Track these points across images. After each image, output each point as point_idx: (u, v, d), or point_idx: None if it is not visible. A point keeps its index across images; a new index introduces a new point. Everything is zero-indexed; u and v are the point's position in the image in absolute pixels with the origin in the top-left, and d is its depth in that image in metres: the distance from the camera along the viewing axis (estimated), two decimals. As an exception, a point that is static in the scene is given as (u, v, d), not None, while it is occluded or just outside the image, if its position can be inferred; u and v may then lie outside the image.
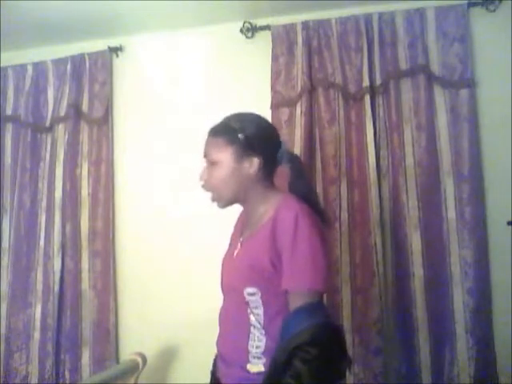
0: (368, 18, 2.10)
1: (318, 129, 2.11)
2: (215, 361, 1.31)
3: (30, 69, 2.48)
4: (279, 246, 1.11)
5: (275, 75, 2.18)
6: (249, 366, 1.13)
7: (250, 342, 1.15)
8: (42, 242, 2.36)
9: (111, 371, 1.89)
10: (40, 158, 2.45)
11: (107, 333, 2.26)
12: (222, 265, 1.31)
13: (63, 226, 2.35)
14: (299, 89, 2.13)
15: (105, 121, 2.37)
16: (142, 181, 2.37)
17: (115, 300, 2.30)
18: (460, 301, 1.95)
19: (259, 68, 2.22)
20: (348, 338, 1.96)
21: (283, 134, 2.11)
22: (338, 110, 2.09)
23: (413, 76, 2.05)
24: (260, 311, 1.15)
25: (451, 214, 1.99)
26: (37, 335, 2.30)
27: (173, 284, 2.25)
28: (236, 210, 1.31)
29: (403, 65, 2.06)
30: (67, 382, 2.26)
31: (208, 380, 1.33)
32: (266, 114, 2.09)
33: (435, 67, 2.04)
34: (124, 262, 2.34)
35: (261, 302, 1.14)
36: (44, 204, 2.39)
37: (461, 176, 1.99)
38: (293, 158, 1.27)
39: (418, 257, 1.98)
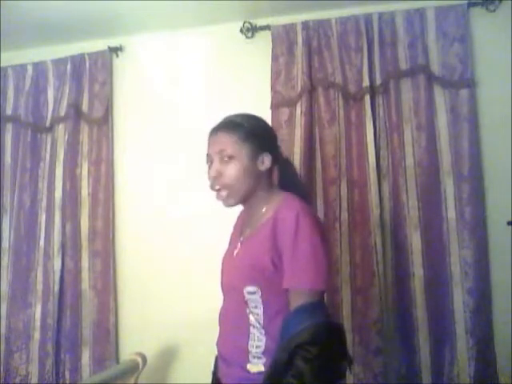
0: (368, 18, 2.10)
1: (318, 129, 2.11)
2: (216, 361, 1.31)
3: (30, 69, 2.48)
4: (280, 244, 1.11)
5: (275, 75, 2.18)
6: (249, 366, 1.13)
7: (250, 342, 1.15)
8: (42, 242, 2.36)
9: (111, 371, 1.89)
10: (40, 158, 2.45)
11: (107, 333, 2.26)
12: (222, 264, 1.31)
13: (63, 226, 2.35)
14: (299, 89, 2.13)
15: (105, 121, 2.37)
16: (141, 181, 2.37)
17: (115, 300, 2.30)
18: (460, 301, 1.95)
19: (259, 68, 2.22)
20: (348, 337, 1.95)
21: (283, 134, 2.12)
22: (338, 110, 2.09)
23: (413, 76, 2.05)
24: (259, 311, 1.15)
25: (451, 214, 1.99)
26: (37, 335, 2.30)
27: (173, 284, 2.25)
28: (235, 209, 1.30)
29: (403, 65, 2.06)
30: (67, 382, 2.26)
31: (208, 380, 1.33)
32: (266, 114, 2.11)
33: (435, 67, 2.04)
34: (124, 262, 2.34)
35: (261, 301, 1.14)
36: (44, 204, 2.39)
37: (461, 176, 1.99)
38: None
39: (418, 257, 1.98)
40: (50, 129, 2.44)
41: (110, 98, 2.39)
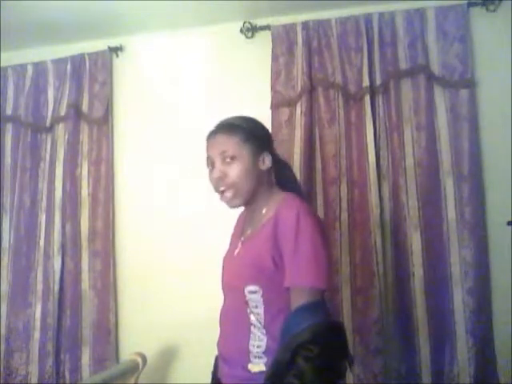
0: (368, 18, 2.10)
1: (318, 129, 2.11)
2: (216, 362, 1.31)
3: (30, 69, 2.48)
4: (281, 243, 1.12)
5: (275, 75, 2.18)
6: (250, 366, 1.13)
7: (251, 342, 1.15)
8: (42, 242, 2.36)
9: (111, 371, 1.89)
10: (40, 158, 2.44)
11: (107, 333, 2.26)
12: (223, 264, 1.31)
13: (63, 226, 2.35)
14: (299, 89, 2.13)
15: (105, 121, 2.37)
16: (141, 181, 2.37)
17: (115, 300, 2.30)
18: (460, 301, 1.95)
19: (259, 68, 2.22)
20: (348, 337, 1.95)
21: (283, 134, 2.12)
22: (338, 110, 2.09)
23: (413, 76, 2.05)
24: (260, 310, 1.15)
25: (451, 214, 1.99)
26: (37, 335, 2.30)
27: (173, 284, 2.25)
28: (235, 209, 1.30)
29: (403, 65, 2.06)
30: (67, 382, 2.26)
31: (208, 380, 1.33)
32: (266, 114, 2.11)
33: (435, 67, 2.04)
34: (124, 262, 2.34)
35: (261, 300, 1.14)
36: (44, 204, 2.39)
37: (461, 176, 1.99)
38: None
39: (418, 257, 1.98)
40: (50, 129, 2.44)
41: (110, 98, 2.39)
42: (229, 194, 1.21)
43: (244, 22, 2.25)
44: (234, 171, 1.19)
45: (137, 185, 2.37)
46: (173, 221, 2.29)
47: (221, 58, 2.32)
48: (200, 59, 2.36)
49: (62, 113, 2.40)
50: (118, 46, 2.42)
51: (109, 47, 2.40)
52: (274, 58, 2.18)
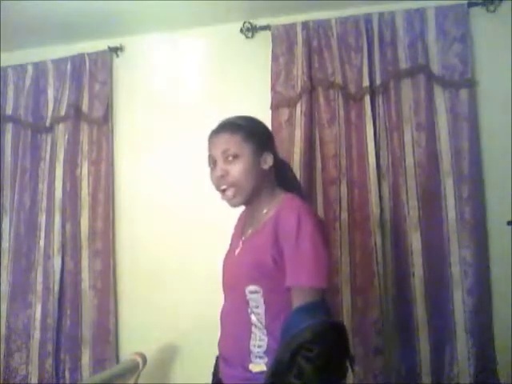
0: (368, 18, 2.10)
1: (318, 129, 2.11)
2: (217, 362, 1.31)
3: (30, 69, 2.48)
4: (281, 243, 1.12)
5: (275, 75, 2.18)
6: (251, 366, 1.14)
7: (252, 342, 1.15)
8: (42, 242, 2.36)
9: (111, 371, 1.89)
10: (40, 158, 2.44)
11: (107, 333, 2.26)
12: (224, 264, 1.31)
13: (63, 226, 2.35)
14: (299, 89, 2.13)
15: (105, 121, 2.37)
16: (141, 181, 2.37)
17: (115, 300, 2.30)
18: (460, 301, 1.95)
19: (259, 68, 2.22)
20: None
21: (283, 134, 2.12)
22: (338, 110, 2.09)
23: (413, 76, 2.05)
24: (261, 310, 1.15)
25: (451, 214, 1.99)
26: (37, 335, 2.30)
27: (173, 284, 2.25)
28: (236, 210, 1.31)
29: (403, 65, 2.05)
30: (67, 382, 2.26)
31: (208, 380, 1.33)
32: (266, 114, 2.11)
33: (435, 67, 2.04)
34: (124, 262, 2.34)
35: (262, 300, 1.15)
36: (44, 204, 2.39)
37: (461, 176, 1.99)
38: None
39: (417, 257, 1.98)
40: (50, 129, 2.44)
41: (110, 97, 2.39)
42: (230, 193, 1.21)
43: (244, 22, 2.25)
44: (236, 170, 1.19)
45: (137, 185, 2.37)
46: (173, 220, 2.29)
47: (221, 58, 2.32)
48: (200, 59, 2.36)
49: (62, 113, 2.40)
50: (118, 46, 2.41)
51: (109, 47, 2.40)
52: (274, 58, 2.18)
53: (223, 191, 1.22)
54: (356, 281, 2.02)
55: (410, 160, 2.02)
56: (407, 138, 2.04)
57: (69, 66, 2.42)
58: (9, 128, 2.49)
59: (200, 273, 2.18)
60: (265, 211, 1.22)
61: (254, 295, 1.15)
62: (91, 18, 2.21)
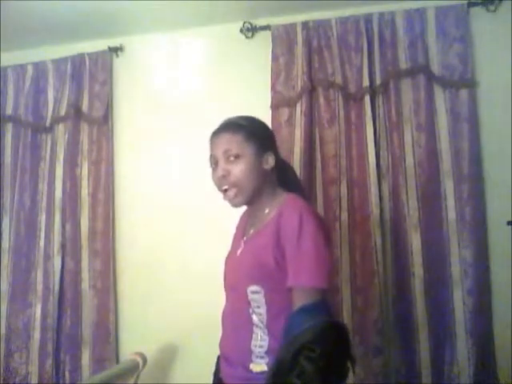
0: (368, 18, 2.10)
1: (318, 129, 2.11)
2: (218, 362, 1.31)
3: (30, 69, 2.48)
4: (283, 243, 1.12)
5: (275, 75, 2.18)
6: (252, 366, 1.14)
7: (253, 342, 1.15)
8: (42, 242, 2.36)
9: (111, 371, 1.89)
10: (40, 158, 2.44)
11: (107, 333, 2.26)
12: (225, 264, 1.32)
13: (63, 226, 2.35)
14: (299, 89, 2.13)
15: (105, 121, 2.37)
16: (141, 181, 2.37)
17: (115, 300, 2.30)
18: (460, 301, 1.95)
19: (259, 68, 2.22)
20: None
21: (283, 134, 2.12)
22: (338, 110, 2.09)
23: (413, 76, 2.05)
24: (262, 310, 1.15)
25: (451, 214, 1.99)
26: (37, 335, 2.30)
27: (173, 284, 2.25)
28: (236, 210, 1.30)
29: (403, 65, 2.05)
30: (67, 382, 2.26)
31: (208, 380, 1.33)
32: (266, 114, 2.11)
33: (435, 67, 2.04)
34: (124, 262, 2.34)
35: (264, 300, 1.15)
36: (44, 204, 2.39)
37: (461, 176, 1.99)
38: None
39: (418, 257, 1.98)
40: (50, 129, 2.44)
41: (109, 97, 2.39)
42: (232, 193, 1.21)
43: (244, 22, 2.25)
44: (238, 170, 1.19)
45: (137, 185, 2.37)
46: (173, 220, 2.29)
47: (221, 57, 2.32)
48: (200, 59, 2.36)
49: (62, 113, 2.40)
50: (118, 46, 2.41)
51: (109, 47, 2.40)
52: (274, 58, 2.18)
53: (225, 191, 1.22)
54: (356, 280, 2.02)
55: (410, 160, 2.02)
56: (407, 138, 2.04)
57: (69, 66, 2.42)
58: (9, 128, 2.49)
59: (200, 273, 2.18)
60: (266, 211, 1.22)
61: (256, 295, 1.15)
62: (91, 18, 2.21)
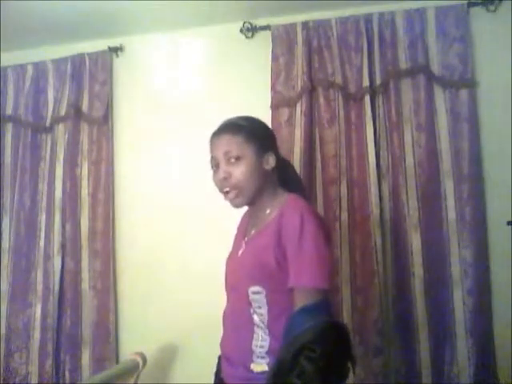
0: (368, 18, 2.09)
1: (318, 129, 2.11)
2: (219, 361, 1.31)
3: (30, 69, 2.48)
4: (284, 244, 1.12)
5: (275, 75, 2.18)
6: (252, 366, 1.14)
7: (254, 342, 1.15)
8: (42, 242, 2.36)
9: (111, 371, 1.89)
10: (40, 158, 2.44)
11: (107, 333, 2.26)
12: (227, 264, 1.32)
13: (63, 226, 2.35)
14: (299, 89, 2.13)
15: (105, 121, 2.37)
16: (141, 181, 2.37)
17: (115, 300, 2.30)
18: (460, 301, 1.95)
19: (259, 68, 2.22)
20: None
21: (283, 134, 2.12)
22: (338, 110, 2.09)
23: (413, 76, 2.05)
24: (263, 311, 1.15)
25: (451, 214, 1.99)
26: (37, 335, 2.30)
27: (173, 284, 2.25)
28: (236, 210, 1.30)
29: (403, 65, 2.05)
30: (67, 382, 2.26)
31: (209, 380, 1.34)
32: (266, 114, 2.11)
33: (435, 67, 2.04)
34: (124, 262, 2.34)
35: (265, 301, 1.15)
36: (44, 204, 2.39)
37: (461, 176, 1.99)
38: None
39: (418, 257, 1.98)
40: (50, 129, 2.44)
41: (109, 97, 2.39)
42: (233, 195, 1.21)
43: (244, 22, 2.25)
44: (239, 172, 1.19)
45: (137, 185, 2.37)
46: (173, 220, 2.29)
47: (221, 57, 2.32)
48: (200, 59, 2.36)
49: (62, 113, 2.40)
50: (118, 46, 2.41)
51: (109, 47, 2.40)
52: (274, 58, 2.18)
53: (226, 193, 1.22)
54: (356, 280, 2.02)
55: (410, 160, 2.02)
56: (407, 138, 2.04)
57: (69, 66, 2.41)
58: (9, 128, 2.49)
59: (200, 273, 2.18)
60: (268, 212, 1.22)
61: (257, 296, 1.15)
62: (91, 18, 2.21)
